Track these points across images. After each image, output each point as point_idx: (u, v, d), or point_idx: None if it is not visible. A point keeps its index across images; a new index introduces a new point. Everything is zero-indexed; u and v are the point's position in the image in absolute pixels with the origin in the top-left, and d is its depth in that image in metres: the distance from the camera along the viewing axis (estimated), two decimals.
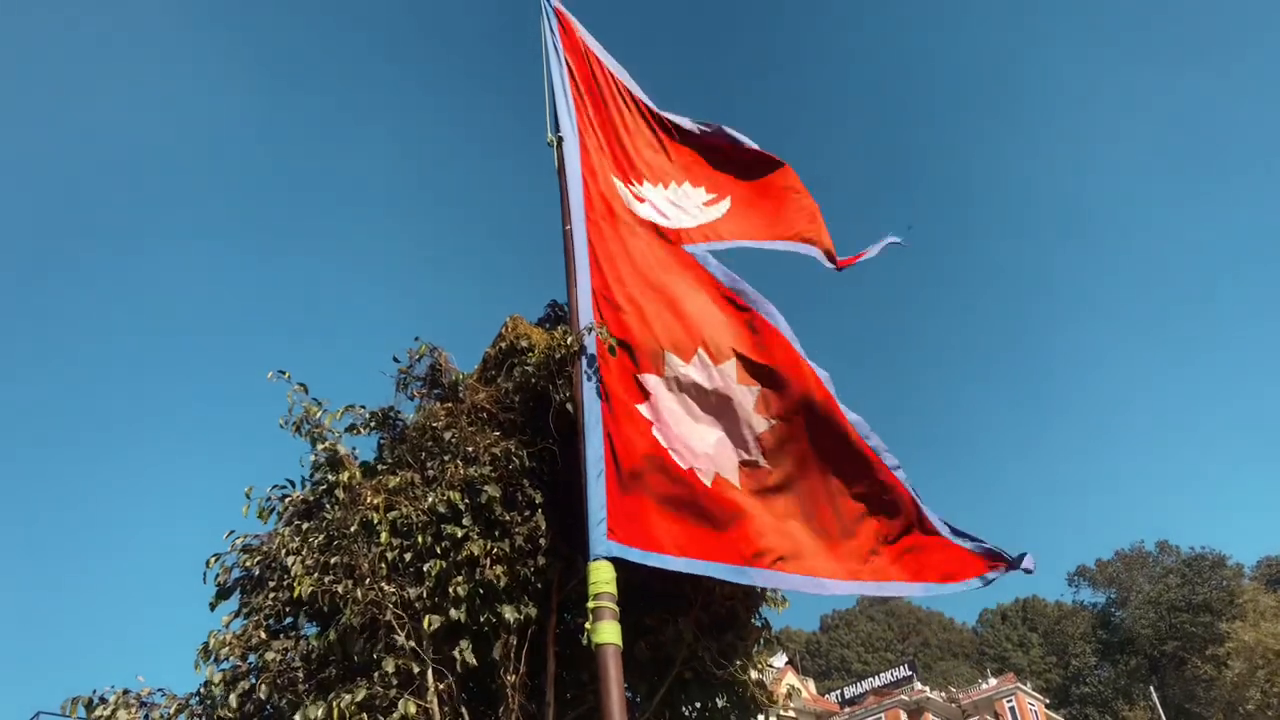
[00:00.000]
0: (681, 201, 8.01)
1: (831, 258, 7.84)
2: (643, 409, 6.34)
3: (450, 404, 7.04)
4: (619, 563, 5.58)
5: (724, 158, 8.47)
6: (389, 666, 5.77)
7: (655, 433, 6.25)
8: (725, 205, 8.07)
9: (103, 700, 6.05)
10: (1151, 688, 65.48)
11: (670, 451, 6.21)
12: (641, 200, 7.80)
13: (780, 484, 6.35)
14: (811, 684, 59.20)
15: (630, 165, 8.10)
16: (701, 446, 6.32)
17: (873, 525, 6.27)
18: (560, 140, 7.65)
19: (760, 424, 6.42)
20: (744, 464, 6.32)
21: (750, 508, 6.14)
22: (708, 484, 6.17)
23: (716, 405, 6.47)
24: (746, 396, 6.50)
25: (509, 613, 6.05)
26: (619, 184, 7.77)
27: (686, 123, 8.62)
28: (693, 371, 6.52)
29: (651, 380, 6.45)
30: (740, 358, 6.65)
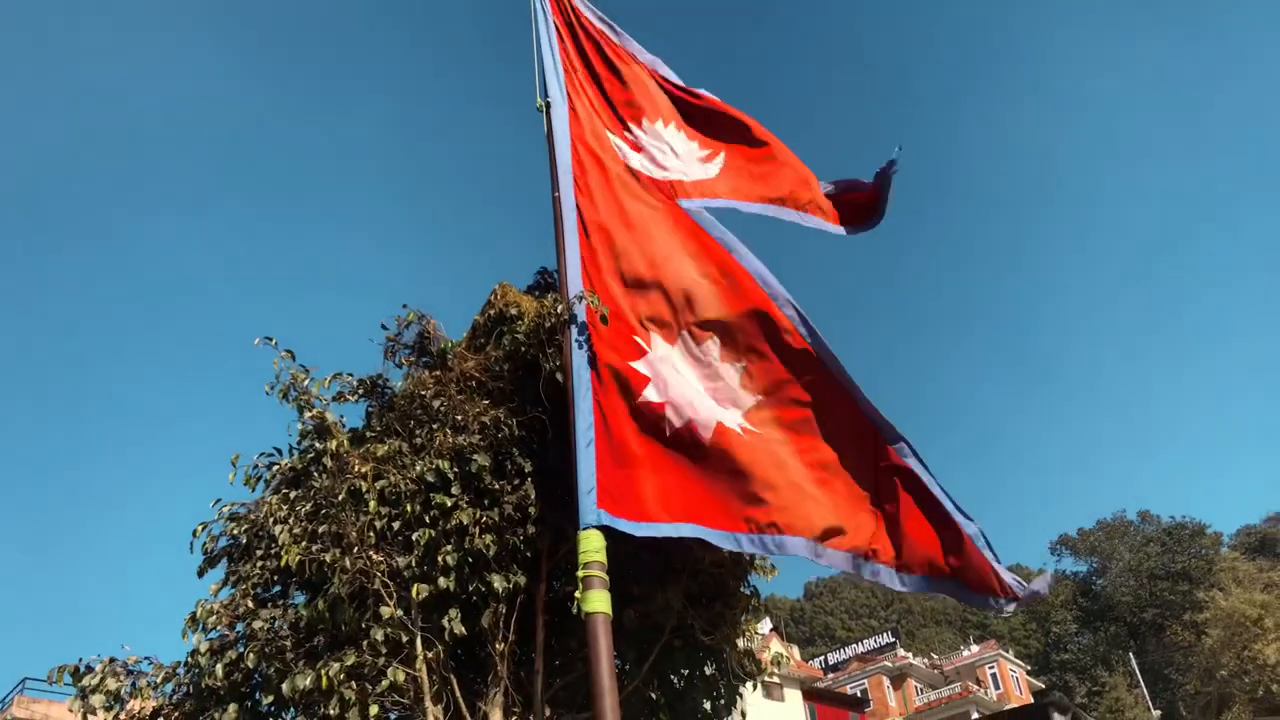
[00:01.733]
0: (679, 147, 7.91)
1: (839, 218, 7.65)
2: (639, 365, 6.26)
3: (439, 372, 7.00)
4: (608, 531, 5.55)
5: (712, 118, 8.34)
6: (377, 635, 5.76)
7: (651, 389, 6.18)
8: (719, 162, 7.94)
9: (89, 669, 6.03)
10: (1130, 654, 66.29)
11: (667, 405, 6.13)
12: (638, 149, 7.70)
13: (773, 450, 6.22)
14: (796, 650, 59.68)
15: (628, 109, 7.98)
16: (700, 400, 6.23)
17: (875, 510, 5.95)
18: (549, 105, 7.56)
19: (747, 400, 6.35)
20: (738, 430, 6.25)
21: (754, 454, 6.02)
22: (708, 436, 6.06)
23: (704, 379, 6.40)
24: (732, 374, 6.43)
25: (498, 581, 6.04)
26: (613, 138, 7.67)
27: (673, 76, 8.52)
28: (678, 351, 6.46)
29: (646, 340, 6.39)
30: (725, 335, 6.56)
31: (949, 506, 5.88)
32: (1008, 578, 5.68)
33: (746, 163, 7.98)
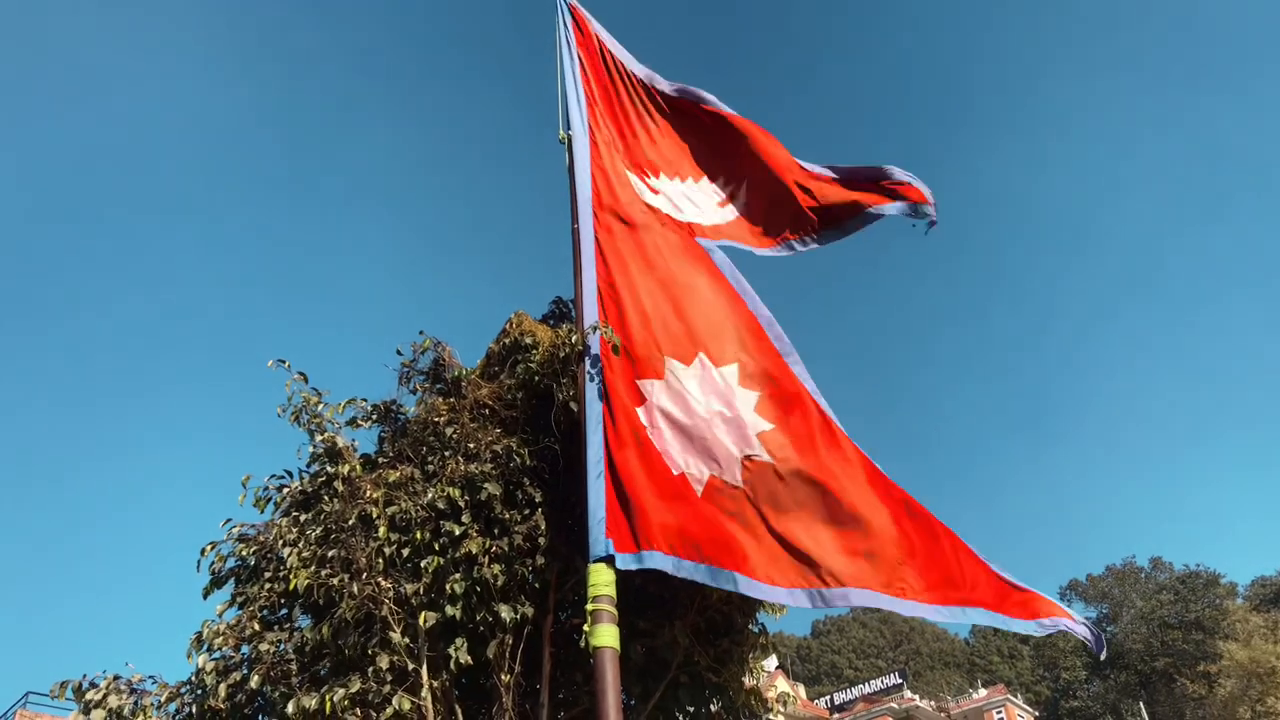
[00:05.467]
0: (695, 197, 7.93)
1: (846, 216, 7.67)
2: (640, 412, 6.27)
3: (452, 399, 6.99)
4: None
5: (739, 152, 8.36)
6: (383, 662, 5.73)
7: (650, 437, 6.19)
8: (737, 207, 7.96)
9: (93, 685, 6.00)
10: (1141, 704, 65.44)
11: (664, 455, 6.14)
12: (656, 192, 7.73)
13: (786, 476, 6.16)
14: (802, 689, 59.17)
15: (645, 158, 8.02)
16: (697, 449, 6.21)
17: (895, 536, 5.88)
18: (570, 138, 7.61)
19: (763, 424, 6.32)
20: (746, 458, 6.20)
21: (746, 508, 6.01)
22: (699, 490, 6.06)
23: (718, 404, 6.37)
24: (747, 398, 6.41)
25: (505, 612, 6.00)
26: (633, 176, 7.71)
27: (667, 87, 8.52)
28: (693, 374, 6.45)
29: (650, 385, 6.38)
30: (743, 362, 6.56)
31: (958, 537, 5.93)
32: (1035, 601, 5.73)
33: (758, 194, 8.01)
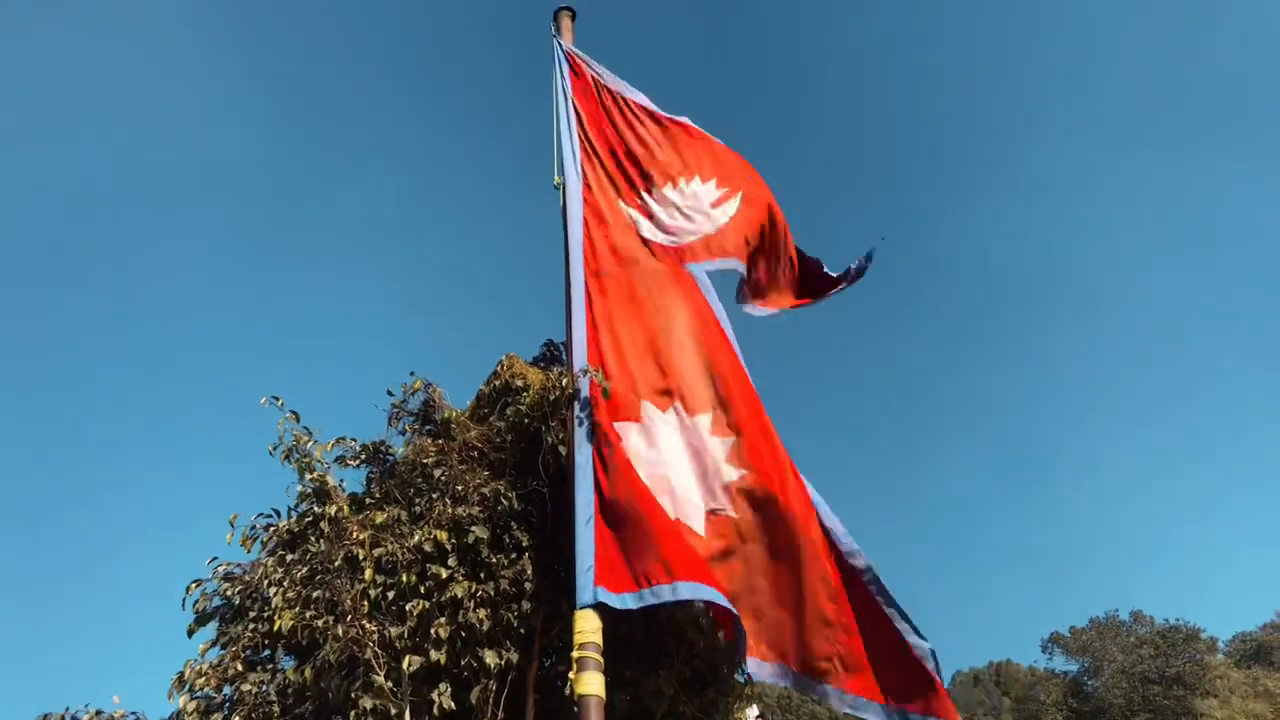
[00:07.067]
0: (691, 201, 8.03)
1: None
2: (627, 453, 6.32)
3: (441, 441, 6.99)
4: (604, 611, 5.51)
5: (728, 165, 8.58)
6: (366, 705, 5.67)
7: (640, 474, 6.22)
8: (734, 204, 8.08)
9: (75, 719, 5.95)
10: None
11: (657, 496, 6.18)
12: (649, 216, 7.81)
13: (745, 535, 6.30)
14: None
15: (638, 176, 8.10)
16: (666, 493, 6.28)
17: (828, 631, 6.17)
18: (564, 184, 7.69)
19: (731, 473, 6.41)
20: (710, 512, 6.29)
21: (713, 561, 6.13)
22: (698, 530, 6.18)
23: (688, 455, 6.47)
24: (719, 447, 6.49)
25: (490, 657, 5.96)
26: (624, 206, 7.79)
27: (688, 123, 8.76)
28: (668, 421, 6.53)
29: (625, 428, 6.42)
30: (717, 410, 6.64)
31: (901, 625, 6.09)
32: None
33: (751, 206, 8.23)
